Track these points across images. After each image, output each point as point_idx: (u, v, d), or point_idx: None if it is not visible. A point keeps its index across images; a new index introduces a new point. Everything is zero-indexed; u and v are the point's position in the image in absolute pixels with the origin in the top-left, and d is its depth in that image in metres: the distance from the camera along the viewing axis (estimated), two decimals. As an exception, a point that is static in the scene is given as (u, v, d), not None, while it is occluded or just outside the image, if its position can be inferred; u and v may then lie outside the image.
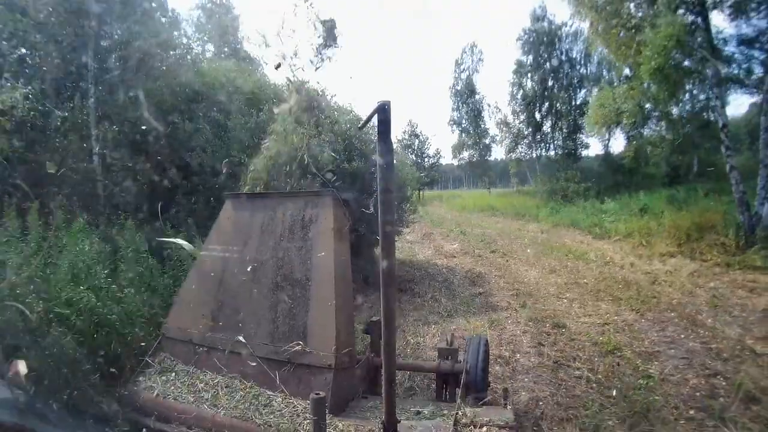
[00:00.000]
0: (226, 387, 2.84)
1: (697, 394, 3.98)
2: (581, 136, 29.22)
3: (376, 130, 1.68)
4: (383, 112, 1.63)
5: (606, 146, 27.09)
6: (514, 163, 33.77)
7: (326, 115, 6.31)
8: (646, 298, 6.85)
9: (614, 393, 3.99)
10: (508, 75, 46.05)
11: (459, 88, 37.81)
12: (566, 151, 29.47)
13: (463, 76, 37.58)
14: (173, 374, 3.03)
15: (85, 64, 6.15)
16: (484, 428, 2.36)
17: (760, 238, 9.41)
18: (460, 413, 2.48)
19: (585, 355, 4.85)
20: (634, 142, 22.17)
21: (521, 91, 31.53)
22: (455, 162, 41.05)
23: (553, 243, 13.05)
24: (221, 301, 3.20)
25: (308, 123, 4.67)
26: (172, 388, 2.89)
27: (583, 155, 29.36)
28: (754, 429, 3.36)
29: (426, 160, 42.27)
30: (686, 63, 9.81)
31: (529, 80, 31.04)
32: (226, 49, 15.35)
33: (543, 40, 29.04)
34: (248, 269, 3.18)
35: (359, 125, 1.92)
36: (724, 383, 4.13)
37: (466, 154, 38.57)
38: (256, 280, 3.13)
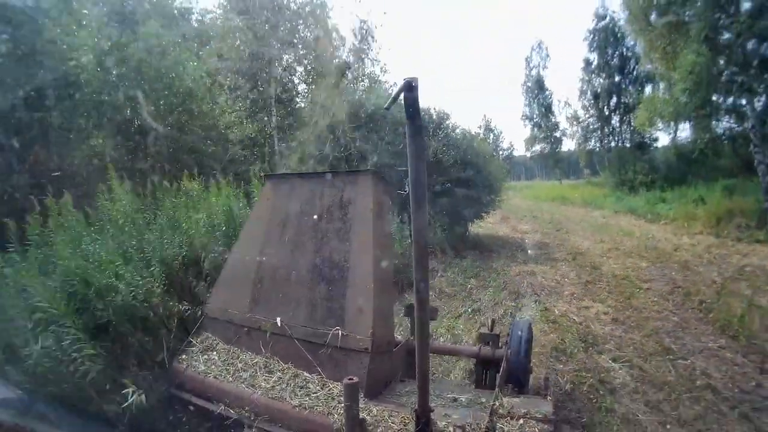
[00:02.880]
0: (264, 367, 2.90)
1: (664, 293, 7.43)
2: (659, 124, 30.81)
3: (404, 111, 1.59)
4: (410, 89, 1.52)
5: (673, 139, 28.72)
6: (585, 156, 35.90)
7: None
8: (663, 257, 10.10)
9: (618, 295, 7.54)
10: (576, 70, 47.52)
11: (530, 84, 40.28)
12: (634, 143, 31.27)
13: (533, 73, 39.98)
14: (215, 353, 3.11)
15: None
16: (522, 420, 2.36)
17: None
18: (497, 403, 2.49)
19: (606, 280, 8.40)
20: (702, 135, 23.91)
21: (590, 87, 33.61)
22: (528, 154, 43.66)
23: (609, 225, 16.16)
24: (261, 282, 3.25)
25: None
26: (213, 366, 2.96)
27: (652, 147, 31.02)
28: (689, 303, 6.80)
29: (500, 153, 45.19)
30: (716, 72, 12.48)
31: (597, 77, 33.06)
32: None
33: (608, 38, 30.92)
34: (287, 251, 3.23)
35: (385, 105, 1.94)
36: (682, 290, 7.50)
37: (538, 147, 41.06)
38: (295, 261, 3.16)
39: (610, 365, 4.68)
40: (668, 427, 3.58)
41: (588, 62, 32.98)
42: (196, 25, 12.26)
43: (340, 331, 2.80)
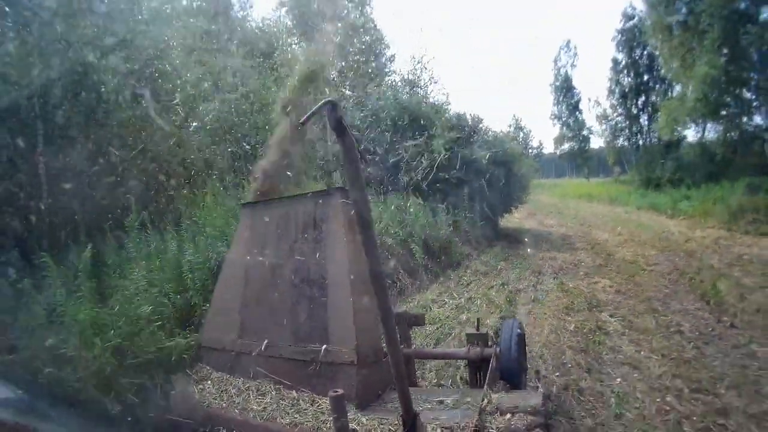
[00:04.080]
0: (256, 391, 3.04)
1: (664, 273, 8.88)
2: (677, 127, 31.42)
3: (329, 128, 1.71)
4: (334, 108, 1.56)
5: (701, 137, 29.31)
6: (613, 154, 36.65)
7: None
8: (671, 246, 11.47)
9: (624, 274, 9.03)
10: (605, 69, 47.96)
11: (558, 84, 41.17)
12: (662, 142, 31.93)
13: (562, 72, 40.86)
14: (209, 382, 3.28)
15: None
16: (510, 415, 2.44)
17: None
18: (485, 401, 2.56)
19: (616, 263, 9.88)
20: (730, 133, 24.58)
21: (618, 86, 34.34)
22: (557, 152, 44.54)
23: (630, 220, 17.42)
24: (247, 307, 3.42)
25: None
26: (207, 395, 3.14)
27: (680, 145, 31.58)
28: (682, 280, 8.24)
29: (530, 151, 46.23)
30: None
31: (625, 76, 33.78)
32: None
33: (636, 38, 31.59)
34: (268, 274, 3.38)
35: (301, 120, 1.75)
36: (679, 271, 8.91)
37: (566, 146, 41.93)
38: (276, 283, 3.31)
39: (607, 318, 6.26)
40: (642, 353, 5.16)
41: (616, 62, 33.77)
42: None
43: (325, 347, 2.91)
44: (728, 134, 24.23)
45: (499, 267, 9.64)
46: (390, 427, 2.50)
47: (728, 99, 14.34)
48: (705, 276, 8.19)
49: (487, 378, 2.97)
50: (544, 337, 5.55)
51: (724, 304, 6.52)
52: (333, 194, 3.28)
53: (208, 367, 3.48)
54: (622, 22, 32.46)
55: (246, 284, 3.53)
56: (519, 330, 3.61)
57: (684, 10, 15.14)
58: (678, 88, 31.06)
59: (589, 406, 4.07)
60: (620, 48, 32.89)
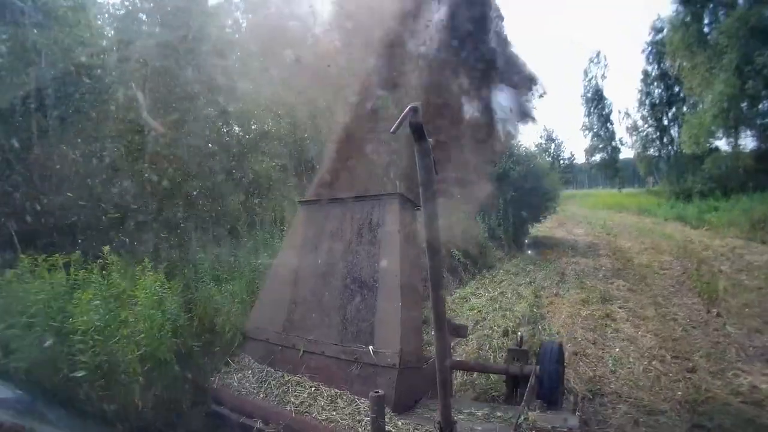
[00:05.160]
0: (296, 385, 3.13)
1: (674, 276, 10.09)
2: (697, 142, 31.80)
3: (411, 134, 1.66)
4: (415, 113, 1.60)
5: (733, 148, 29.62)
6: (644, 165, 37.12)
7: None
8: (688, 254, 12.57)
9: (638, 276, 10.29)
10: (634, 81, 48.32)
11: (589, 95, 41.95)
12: (698, 152, 32.31)
13: (592, 83, 41.63)
14: (249, 371, 3.41)
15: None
16: None
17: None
18: (522, 417, 2.56)
19: (633, 268, 11.14)
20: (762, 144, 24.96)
21: (649, 97, 34.97)
22: (589, 163, 45.19)
23: (655, 230, 18.40)
24: (295, 303, 3.52)
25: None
26: (247, 384, 3.27)
27: (710, 156, 31.89)
28: (688, 282, 9.46)
29: (561, 162, 46.95)
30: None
31: (656, 88, 34.39)
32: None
33: (665, 50, 32.20)
34: (320, 272, 3.48)
35: (391, 129, 1.69)
36: (688, 275, 10.09)
37: (597, 157, 42.55)
38: (327, 282, 3.40)
39: (616, 309, 7.64)
40: (639, 333, 6.55)
41: (647, 73, 34.43)
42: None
43: (369, 348, 2.95)
44: (762, 145, 24.79)
45: (527, 269, 11.05)
46: None
47: (746, 113, 15.21)
48: (709, 279, 9.38)
49: (525, 395, 2.97)
50: (561, 320, 7.02)
51: (718, 300, 7.79)
52: (391, 199, 3.36)
53: (249, 357, 3.56)
54: (651, 35, 33.12)
55: (297, 280, 3.61)
56: (559, 353, 3.58)
57: (705, 30, 16.16)
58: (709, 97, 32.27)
59: (592, 366, 5.55)
60: (650, 60, 33.50)
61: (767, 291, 8.26)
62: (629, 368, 5.46)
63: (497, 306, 7.73)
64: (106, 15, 6.59)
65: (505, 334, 6.27)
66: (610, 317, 7.24)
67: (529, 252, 13.31)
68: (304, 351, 3.29)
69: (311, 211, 3.90)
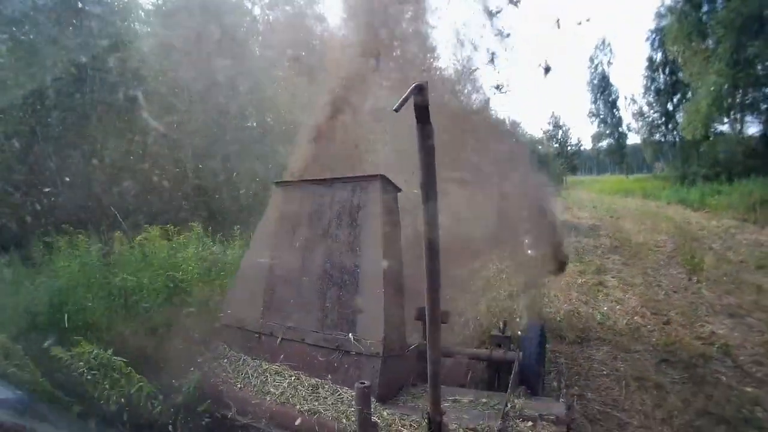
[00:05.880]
0: (275, 374, 2.99)
1: (666, 252, 11.06)
2: (714, 123, 32.32)
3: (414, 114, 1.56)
4: (420, 93, 1.52)
5: (738, 132, 30.15)
6: (650, 150, 37.73)
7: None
8: (683, 234, 13.49)
9: (633, 252, 11.27)
10: (639, 68, 48.54)
11: (595, 82, 42.41)
12: (697, 138, 32.92)
13: (598, 70, 42.08)
14: (225, 360, 3.23)
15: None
16: (533, 422, 2.44)
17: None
18: (509, 405, 2.57)
19: (630, 246, 12.12)
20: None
21: (654, 83, 35.46)
22: (597, 150, 45.80)
23: (657, 213, 19.31)
24: (272, 289, 3.37)
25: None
26: (224, 374, 3.09)
27: (716, 140, 32.45)
28: (678, 257, 10.45)
29: (569, 148, 47.57)
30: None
31: (660, 74, 34.85)
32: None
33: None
34: (298, 257, 3.32)
35: (394, 107, 1.44)
36: (679, 251, 11.05)
37: (604, 143, 43.14)
38: (306, 267, 3.25)
39: (608, 278, 8.69)
40: (626, 296, 7.60)
41: (651, 60, 34.87)
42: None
43: (351, 336, 2.87)
44: (765, 130, 25.31)
45: (531, 248, 12.13)
46: (411, 423, 2.50)
47: (740, 101, 16.00)
48: (697, 254, 10.37)
49: (510, 381, 3.01)
50: (559, 287, 8.07)
51: (701, 271, 8.80)
52: (373, 181, 3.22)
53: (225, 346, 3.40)
54: (656, 22, 33.52)
55: (273, 265, 3.46)
56: (541, 335, 3.62)
57: (703, 20, 16.89)
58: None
59: (582, 320, 6.62)
60: (654, 46, 33.89)
61: (747, 263, 9.22)
62: (614, 321, 6.52)
63: (503, 276, 8.79)
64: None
65: (510, 296, 7.32)
66: (602, 284, 8.29)
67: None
68: (282, 338, 3.17)
69: (288, 192, 3.74)
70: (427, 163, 1.62)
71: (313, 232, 3.33)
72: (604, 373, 4.91)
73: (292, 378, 2.93)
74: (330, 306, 3.07)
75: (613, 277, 8.77)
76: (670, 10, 18.99)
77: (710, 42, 16.18)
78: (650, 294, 7.60)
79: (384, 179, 3.19)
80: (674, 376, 4.73)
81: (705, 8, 16.79)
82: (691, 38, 17.37)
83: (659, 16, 33.36)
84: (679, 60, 18.40)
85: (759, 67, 14.46)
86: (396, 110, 1.51)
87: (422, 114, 1.56)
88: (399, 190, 3.35)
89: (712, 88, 14.81)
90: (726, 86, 14.56)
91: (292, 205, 3.57)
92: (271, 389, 2.85)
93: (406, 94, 1.49)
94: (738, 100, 15.70)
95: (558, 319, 6.59)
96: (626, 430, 3.80)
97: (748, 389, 4.36)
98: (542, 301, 7.13)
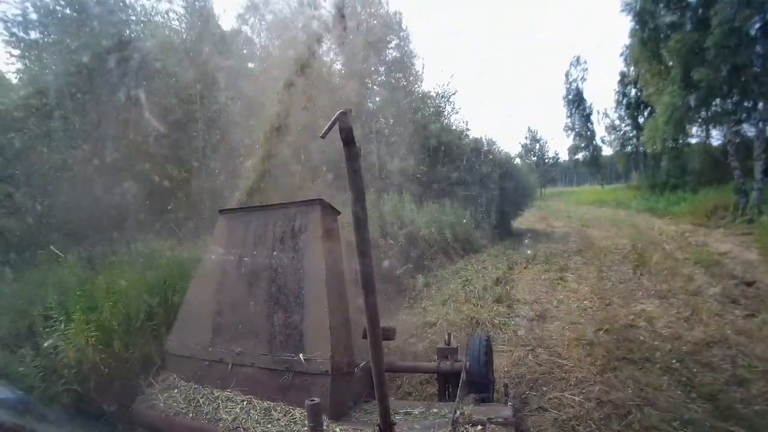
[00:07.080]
0: (227, 400, 3.00)
1: (623, 253, 12.60)
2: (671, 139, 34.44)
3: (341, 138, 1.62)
4: (344, 119, 1.58)
5: (704, 142, 32.21)
6: (622, 161, 39.95)
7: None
8: (643, 238, 15.07)
9: (594, 254, 12.80)
10: (612, 83, 51.12)
11: (570, 97, 44.81)
12: (657, 151, 35.00)
13: (573, 86, 44.50)
14: (175, 391, 3.22)
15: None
16: (483, 426, 2.54)
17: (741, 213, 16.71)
18: (458, 413, 2.65)
19: (593, 249, 13.65)
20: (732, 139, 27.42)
21: (625, 98, 37.77)
22: (573, 162, 48.02)
23: (625, 221, 20.99)
24: (220, 315, 3.39)
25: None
26: (174, 404, 3.08)
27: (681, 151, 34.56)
28: (631, 258, 11.98)
29: (546, 161, 49.78)
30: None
31: (631, 89, 37.14)
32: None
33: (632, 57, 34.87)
34: (245, 283, 3.39)
35: (321, 134, 1.59)
36: (634, 252, 12.59)
37: (580, 155, 45.35)
38: (252, 292, 3.32)
39: (568, 275, 10.14)
40: (580, 287, 9.05)
41: (624, 75, 37.21)
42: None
43: (301, 356, 2.94)
44: (729, 141, 27.28)
45: (507, 252, 13.54)
46: None
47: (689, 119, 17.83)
48: (648, 254, 11.94)
49: (458, 390, 3.09)
50: (525, 281, 9.54)
51: (646, 267, 10.33)
52: (312, 205, 3.34)
53: (174, 376, 3.39)
54: (630, 39, 35.82)
55: (220, 291, 3.50)
56: (486, 345, 3.69)
57: (659, 45, 18.82)
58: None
59: (542, 305, 8.04)
60: (627, 62, 36.13)
61: (689, 260, 10.77)
62: (567, 305, 7.96)
63: (480, 275, 10.22)
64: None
65: (485, 288, 8.75)
66: (562, 279, 9.75)
67: (510, 240, 15.85)
68: (233, 364, 3.22)
69: (232, 221, 3.81)
70: (355, 183, 1.67)
71: (258, 258, 3.43)
72: (553, 337, 6.31)
73: (245, 403, 2.99)
74: (278, 329, 3.14)
75: (572, 274, 10.24)
76: (634, 33, 20.92)
77: (664, 67, 18.02)
78: (600, 285, 9.06)
79: (323, 203, 3.37)
80: (605, 338, 6.14)
81: (661, 35, 18.64)
82: (650, 61, 19.27)
83: (633, 34, 36.07)
84: (640, 80, 20.21)
85: (704, 91, 16.12)
86: (322, 137, 1.60)
87: (348, 137, 1.61)
88: (338, 213, 3.54)
89: (665, 108, 16.58)
90: (678, 105, 16.22)
91: (236, 232, 3.67)
92: (224, 415, 2.89)
93: (331, 121, 1.57)
94: (690, 115, 17.35)
95: (523, 304, 8.02)
96: (563, 368, 5.18)
97: (656, 342, 5.79)
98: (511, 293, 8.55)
